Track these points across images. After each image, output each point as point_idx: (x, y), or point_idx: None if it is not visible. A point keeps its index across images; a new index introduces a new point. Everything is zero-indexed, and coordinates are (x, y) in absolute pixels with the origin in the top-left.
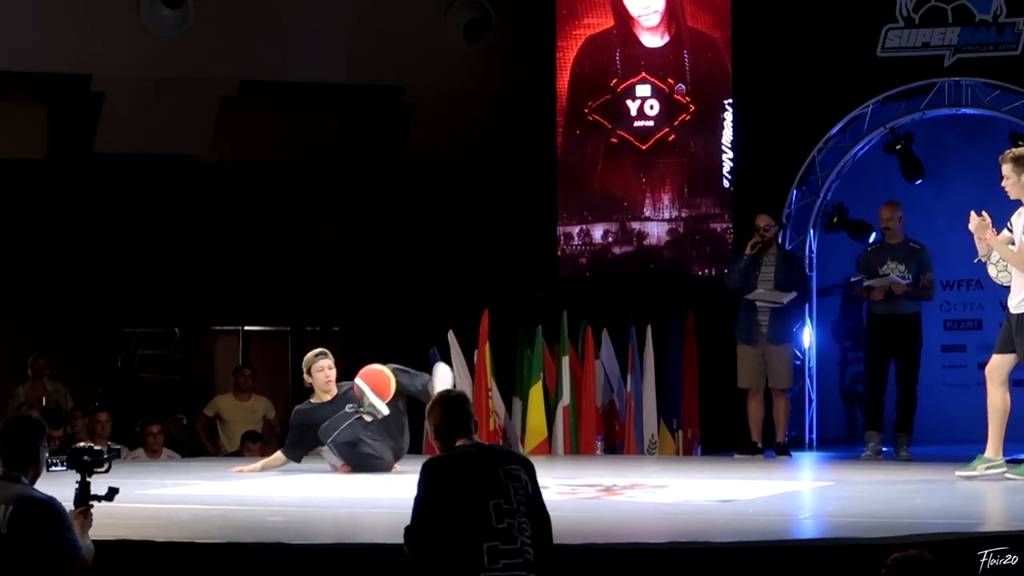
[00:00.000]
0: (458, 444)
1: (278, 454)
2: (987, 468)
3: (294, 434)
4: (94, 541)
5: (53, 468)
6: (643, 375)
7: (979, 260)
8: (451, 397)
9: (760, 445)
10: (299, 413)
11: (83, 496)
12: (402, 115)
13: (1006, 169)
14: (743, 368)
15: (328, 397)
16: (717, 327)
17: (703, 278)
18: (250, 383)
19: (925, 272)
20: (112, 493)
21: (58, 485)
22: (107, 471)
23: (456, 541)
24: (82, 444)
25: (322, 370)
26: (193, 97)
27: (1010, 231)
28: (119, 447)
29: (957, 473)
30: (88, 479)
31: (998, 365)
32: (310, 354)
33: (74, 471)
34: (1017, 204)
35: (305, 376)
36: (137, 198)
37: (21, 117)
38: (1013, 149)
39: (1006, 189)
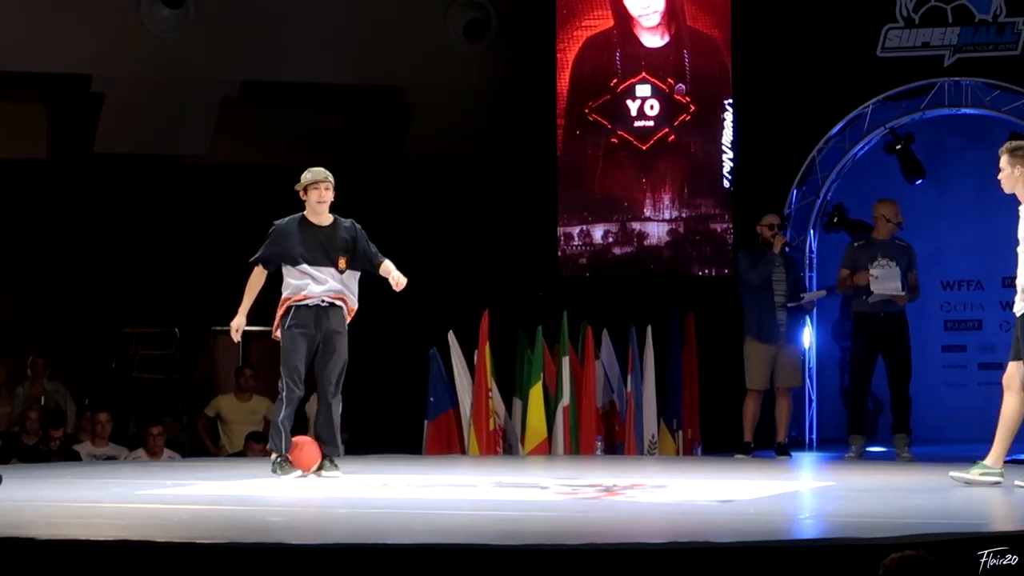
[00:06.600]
0: None
1: (255, 272)
2: (982, 474)
3: (271, 242)
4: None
5: None
6: (643, 375)
7: None
8: None
9: (752, 445)
10: (279, 225)
11: None
12: (402, 115)
13: (1002, 161)
14: (757, 367)
15: (315, 220)
16: (717, 327)
17: (703, 278)
18: (252, 383)
19: (912, 269)
20: None
21: None
22: None
23: None
24: None
25: (318, 190)
26: (193, 97)
27: None
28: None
29: (951, 473)
30: None
31: (1013, 373)
32: (309, 173)
33: None
34: (1012, 199)
35: (300, 192)
36: (137, 198)
37: (21, 117)
38: (1011, 141)
39: (1000, 181)
